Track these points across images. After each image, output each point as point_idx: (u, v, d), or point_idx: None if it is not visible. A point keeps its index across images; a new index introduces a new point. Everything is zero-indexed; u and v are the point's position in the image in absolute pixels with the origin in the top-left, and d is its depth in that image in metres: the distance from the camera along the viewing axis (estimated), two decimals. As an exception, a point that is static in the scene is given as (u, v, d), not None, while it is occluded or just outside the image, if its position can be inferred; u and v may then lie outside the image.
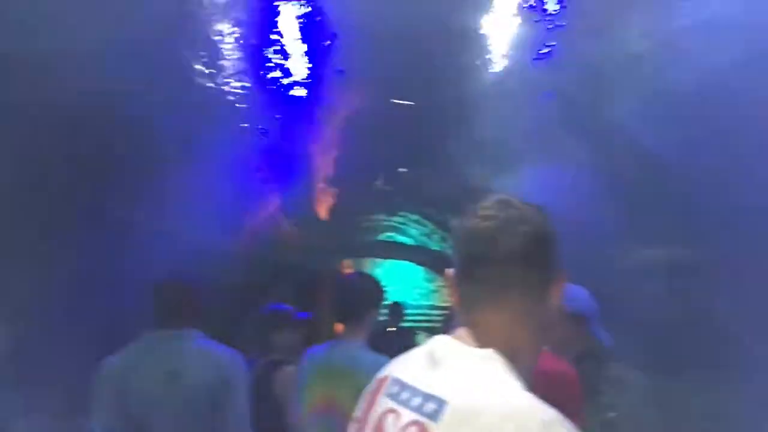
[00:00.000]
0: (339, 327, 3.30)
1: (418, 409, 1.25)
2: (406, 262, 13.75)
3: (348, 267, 12.46)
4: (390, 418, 1.31)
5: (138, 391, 2.89)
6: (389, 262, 13.97)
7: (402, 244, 12.81)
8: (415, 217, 11.88)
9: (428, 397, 1.24)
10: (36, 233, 4.89)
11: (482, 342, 1.29)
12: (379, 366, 2.88)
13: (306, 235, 9.12)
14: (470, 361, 1.25)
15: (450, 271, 1.41)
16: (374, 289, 3.24)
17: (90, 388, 2.94)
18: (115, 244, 5.07)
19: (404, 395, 1.31)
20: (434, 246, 12.32)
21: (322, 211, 9.57)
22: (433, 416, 1.20)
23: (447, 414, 1.19)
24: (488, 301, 1.31)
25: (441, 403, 1.21)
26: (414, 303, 12.86)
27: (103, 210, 5.29)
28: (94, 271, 5.04)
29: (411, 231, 12.65)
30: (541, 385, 1.29)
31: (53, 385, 4.34)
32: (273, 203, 8.45)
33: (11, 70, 4.33)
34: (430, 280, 14.81)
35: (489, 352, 1.26)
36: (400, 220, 12.28)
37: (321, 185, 9.04)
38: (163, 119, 5.13)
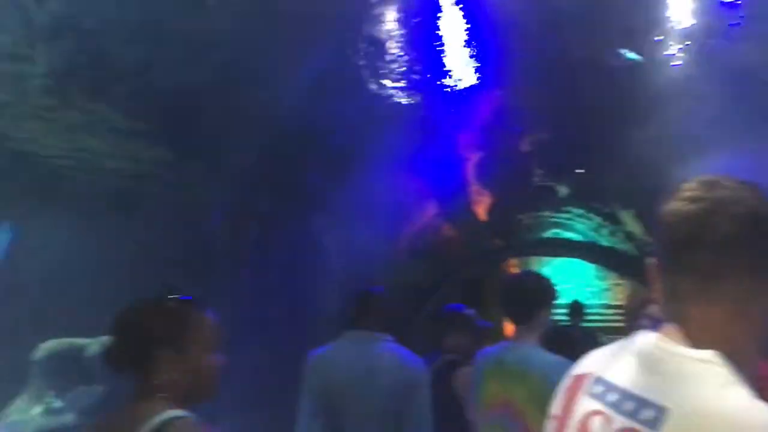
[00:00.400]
0: (509, 327, 3.27)
1: (632, 415, 1.15)
2: (575, 260, 13.23)
3: (514, 266, 12.27)
4: (597, 420, 1.22)
5: (338, 383, 3.24)
6: (557, 260, 13.53)
7: (569, 241, 12.33)
8: (579, 211, 11.42)
9: (644, 403, 1.14)
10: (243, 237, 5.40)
11: (697, 341, 1.16)
12: (553, 366, 2.84)
13: (469, 236, 9.12)
14: (690, 365, 1.13)
15: (652, 261, 1.28)
16: (545, 289, 3.17)
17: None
18: (296, 248, 5.45)
19: (612, 397, 1.22)
20: (604, 241, 11.74)
21: (481, 211, 9.52)
22: (652, 424, 1.10)
23: (669, 423, 1.08)
24: (699, 293, 1.18)
25: (661, 410, 1.10)
26: (587, 302, 12.34)
27: (288, 216, 5.71)
28: (284, 272, 5.45)
29: (577, 226, 12.15)
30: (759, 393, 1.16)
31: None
32: (433, 205, 8.55)
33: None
34: (601, 278, 14.14)
35: (710, 355, 1.12)
36: (566, 216, 11.85)
37: (477, 187, 8.99)
38: (335, 125, 5.40)
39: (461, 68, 6.43)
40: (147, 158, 5.49)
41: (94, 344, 6.62)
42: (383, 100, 6.23)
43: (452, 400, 3.66)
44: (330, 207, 5.77)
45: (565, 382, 1.41)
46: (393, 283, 4.45)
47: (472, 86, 6.59)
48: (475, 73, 6.45)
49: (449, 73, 6.44)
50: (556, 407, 1.40)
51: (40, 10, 4.21)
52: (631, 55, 6.29)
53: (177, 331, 1.79)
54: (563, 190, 10.24)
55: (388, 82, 6.19)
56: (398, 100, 6.38)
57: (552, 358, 2.95)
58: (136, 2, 4.37)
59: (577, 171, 9.19)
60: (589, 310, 10.50)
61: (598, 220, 11.36)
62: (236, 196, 5.54)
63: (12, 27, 4.26)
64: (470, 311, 4.19)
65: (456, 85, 6.58)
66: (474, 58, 6.33)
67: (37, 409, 6.45)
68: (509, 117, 7.51)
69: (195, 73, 4.90)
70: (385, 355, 3.28)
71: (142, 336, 1.78)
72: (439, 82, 6.50)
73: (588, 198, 10.30)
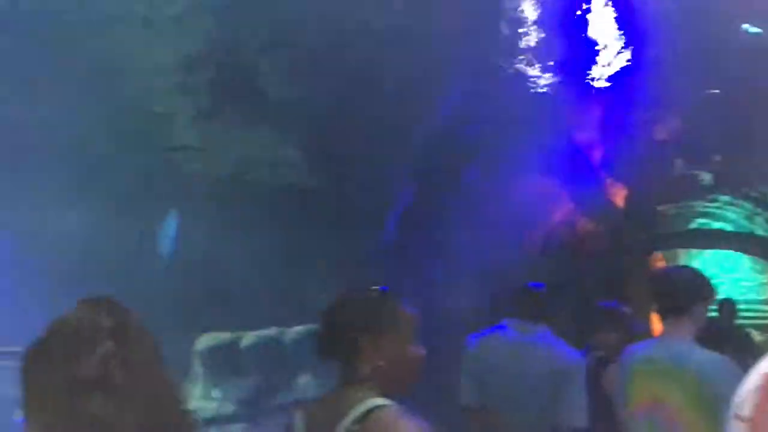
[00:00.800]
0: (656, 323, 3.14)
1: None
2: (728, 252, 12.27)
3: (659, 260, 11.62)
4: None
5: (492, 367, 3.48)
6: (707, 253, 12.62)
7: (720, 231, 11.48)
8: (727, 198, 10.62)
9: None
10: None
11: None
12: (710, 364, 2.69)
13: (609, 230, 8.78)
14: None
15: None
16: (701, 282, 3.01)
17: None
18: (436, 244, 5.54)
19: None
20: (760, 230, 10.83)
21: (621, 204, 9.12)
22: None
23: None
24: None
25: None
26: (742, 297, 11.40)
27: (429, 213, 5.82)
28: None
29: (728, 215, 11.29)
30: None
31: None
32: (570, 199, 8.32)
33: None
34: (759, 271, 13.00)
35: None
36: (714, 204, 11.06)
37: (615, 178, 8.63)
38: (474, 115, 5.41)
39: (603, 55, 6.17)
40: (302, 162, 5.81)
41: (249, 338, 7.12)
42: (524, 89, 6.11)
43: (602, 399, 3.57)
44: (468, 202, 5.81)
45: (755, 380, 1.30)
46: (532, 279, 4.43)
47: (612, 74, 6.33)
48: (617, 60, 6.17)
49: (591, 61, 6.19)
50: (745, 408, 1.29)
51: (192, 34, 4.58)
52: (754, 29, 5.82)
53: (380, 320, 1.88)
54: (706, 177, 9.62)
55: (530, 70, 6.04)
56: (538, 89, 6.22)
57: (709, 355, 2.80)
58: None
59: (715, 158, 8.61)
60: (744, 307, 9.74)
61: (749, 206, 10.56)
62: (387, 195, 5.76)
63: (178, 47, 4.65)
64: (625, 309, 4.11)
65: (597, 69, 6.31)
66: (616, 46, 6.06)
67: (197, 398, 7.02)
68: (646, 105, 7.16)
69: (345, 68, 5.10)
70: (540, 343, 3.45)
71: (349, 326, 1.88)
72: (580, 70, 6.28)
73: (735, 183, 9.60)
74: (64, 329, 1.12)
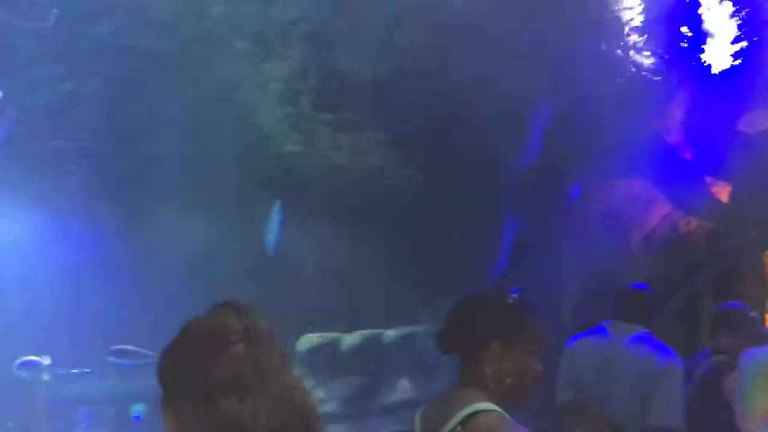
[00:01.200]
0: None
1: None
2: None
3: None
4: None
5: (587, 369, 3.55)
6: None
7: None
8: None
9: None
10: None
11: None
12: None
13: (717, 228, 8.32)
14: None
15: None
16: None
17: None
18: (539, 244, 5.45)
19: None
20: None
21: (724, 198, 8.60)
22: None
23: None
24: None
25: None
26: None
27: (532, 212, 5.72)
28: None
29: None
30: None
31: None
32: (670, 197, 7.95)
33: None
34: None
35: None
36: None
37: (714, 176, 8.14)
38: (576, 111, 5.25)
39: (722, 49, 5.79)
40: (385, 163, 5.86)
41: (350, 339, 7.24)
42: (629, 77, 5.84)
43: (721, 406, 3.40)
44: (570, 202, 5.69)
45: None
46: (635, 278, 4.29)
47: (723, 61, 5.95)
48: (729, 46, 5.79)
49: (701, 46, 5.83)
50: None
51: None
52: None
53: (511, 326, 1.88)
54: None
55: (636, 56, 5.74)
56: (647, 78, 5.91)
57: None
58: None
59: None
60: None
61: None
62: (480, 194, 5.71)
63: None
64: (749, 311, 3.92)
65: (707, 55, 5.95)
66: (729, 30, 5.68)
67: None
68: (756, 95, 6.72)
69: (431, 64, 5.08)
70: (636, 345, 3.45)
71: (479, 325, 1.89)
72: (689, 56, 5.93)
73: None
74: (198, 332, 1.17)
